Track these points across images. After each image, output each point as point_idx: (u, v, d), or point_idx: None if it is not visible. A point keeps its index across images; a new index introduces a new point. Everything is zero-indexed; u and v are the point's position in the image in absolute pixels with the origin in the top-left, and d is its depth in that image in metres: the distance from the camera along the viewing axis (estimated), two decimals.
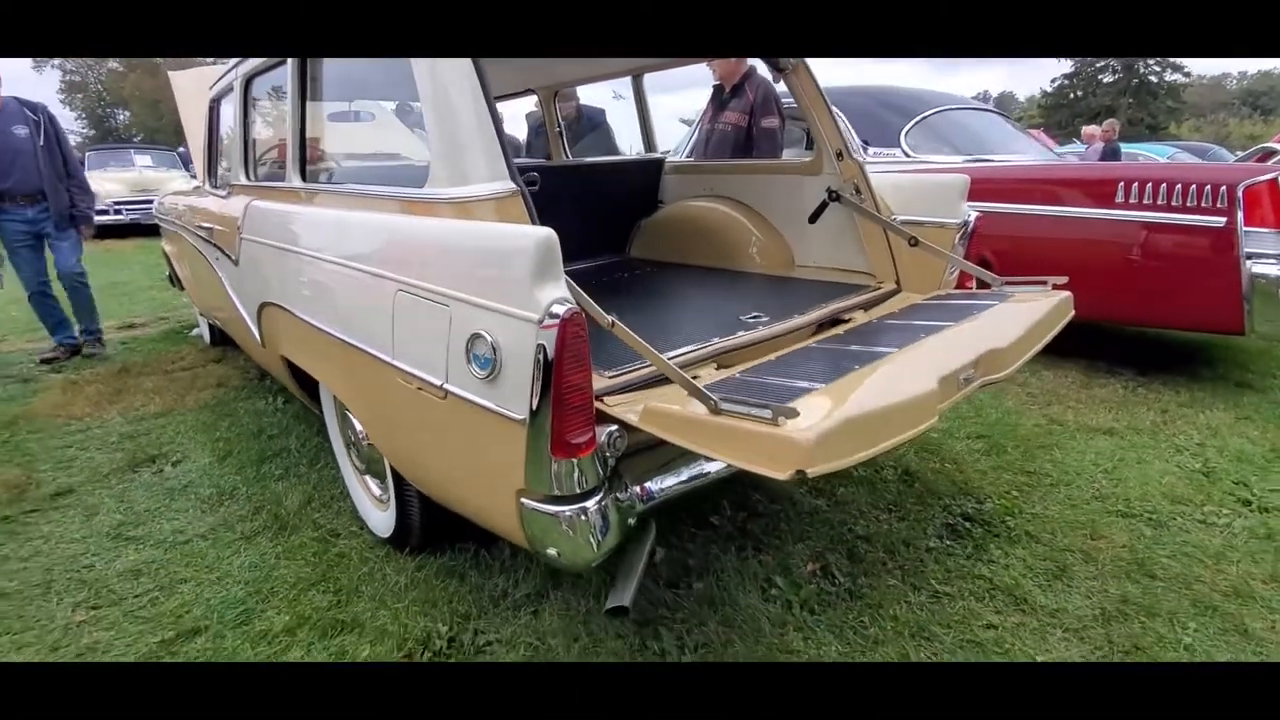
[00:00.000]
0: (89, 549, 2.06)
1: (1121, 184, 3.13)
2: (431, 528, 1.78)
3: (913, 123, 4.13)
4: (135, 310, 5.52)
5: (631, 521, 1.25)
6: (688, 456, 1.40)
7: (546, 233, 1.07)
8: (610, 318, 1.22)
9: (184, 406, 3.23)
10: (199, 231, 3.00)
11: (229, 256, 2.49)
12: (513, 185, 1.31)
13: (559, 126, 3.64)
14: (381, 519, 1.97)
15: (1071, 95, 37.48)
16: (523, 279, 1.08)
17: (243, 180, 2.54)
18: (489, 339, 1.13)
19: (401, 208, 1.51)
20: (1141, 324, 3.71)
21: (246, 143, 2.57)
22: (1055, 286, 1.85)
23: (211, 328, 4.13)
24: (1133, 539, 1.93)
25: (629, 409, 1.24)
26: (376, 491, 2.03)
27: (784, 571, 1.80)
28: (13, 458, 2.70)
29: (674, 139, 4.77)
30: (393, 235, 1.47)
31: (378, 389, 1.50)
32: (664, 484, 1.35)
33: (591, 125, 3.89)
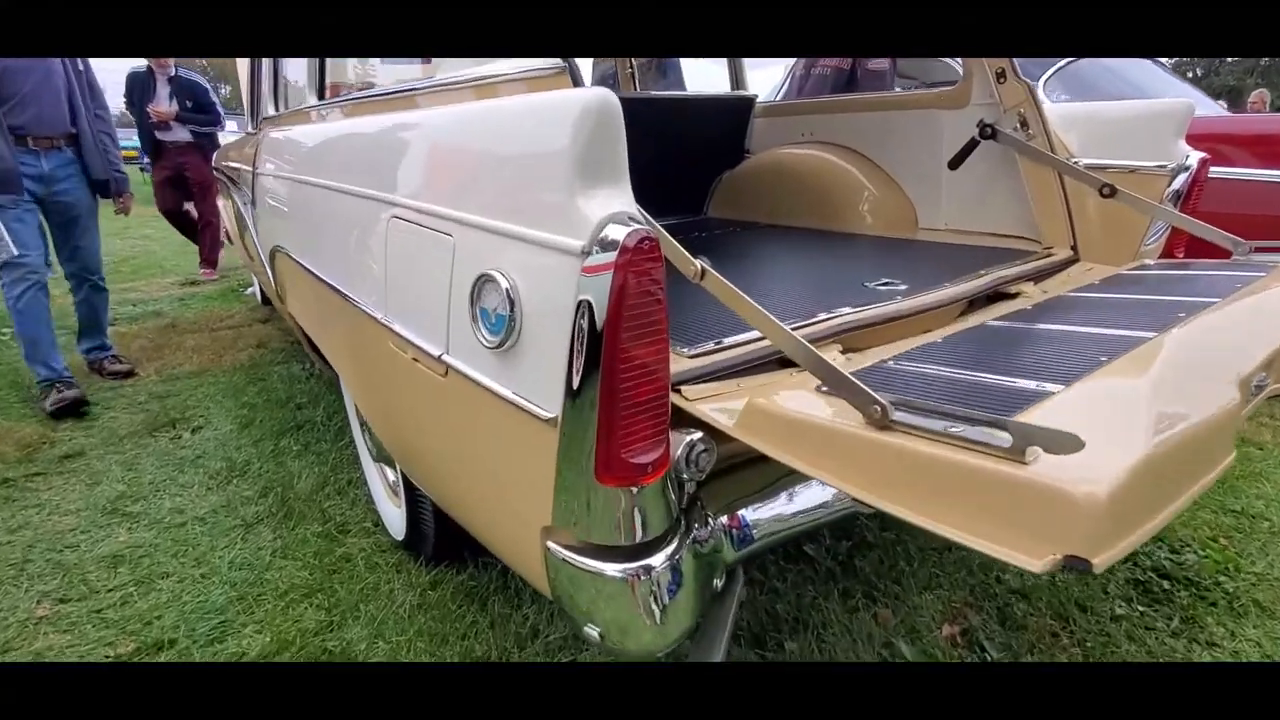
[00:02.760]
0: (80, 524, 1.82)
1: None
2: (446, 538, 1.39)
3: (1053, 70, 3.43)
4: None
5: (718, 582, 0.80)
6: (795, 477, 0.94)
7: (600, 96, 0.62)
8: (698, 263, 0.77)
9: (219, 367, 3.03)
10: (232, 176, 2.73)
11: (250, 197, 2.18)
12: (558, 60, 0.87)
13: (631, 67, 3.16)
14: (396, 516, 1.60)
15: (1190, 75, 33.65)
16: (557, 179, 0.63)
17: (270, 111, 2.21)
18: (503, 283, 0.70)
19: (406, 104, 1.09)
20: None
21: (277, 71, 2.24)
22: None
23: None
24: None
25: (721, 406, 0.79)
26: (392, 478, 1.66)
27: (910, 634, 1.32)
28: (36, 413, 2.53)
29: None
30: (386, 138, 1.04)
31: (369, 357, 1.11)
32: (765, 512, 0.89)
33: (669, 68, 3.40)
